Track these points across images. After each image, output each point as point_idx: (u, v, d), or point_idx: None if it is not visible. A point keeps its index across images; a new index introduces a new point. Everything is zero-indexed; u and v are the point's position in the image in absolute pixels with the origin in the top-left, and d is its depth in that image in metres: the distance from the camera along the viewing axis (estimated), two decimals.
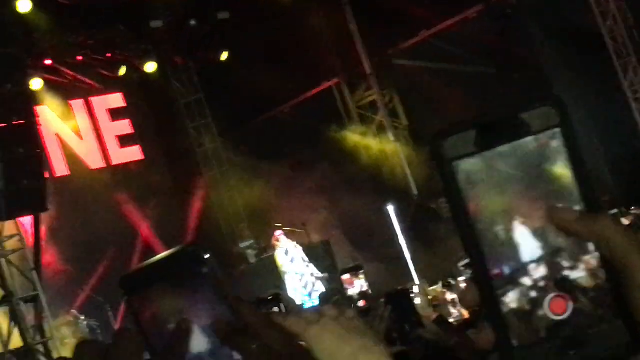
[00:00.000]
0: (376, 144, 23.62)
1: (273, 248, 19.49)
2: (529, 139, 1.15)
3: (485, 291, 1.13)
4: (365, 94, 23.69)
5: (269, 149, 22.17)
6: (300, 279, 19.02)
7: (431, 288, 18.40)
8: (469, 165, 1.14)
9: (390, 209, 20.96)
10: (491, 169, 1.14)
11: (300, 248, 19.34)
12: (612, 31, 18.73)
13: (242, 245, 21.06)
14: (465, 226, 1.13)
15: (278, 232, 19.36)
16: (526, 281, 1.13)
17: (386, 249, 21.73)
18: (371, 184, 22.54)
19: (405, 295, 5.46)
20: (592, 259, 1.14)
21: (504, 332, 1.12)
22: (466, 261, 10.40)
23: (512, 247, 1.14)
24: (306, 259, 19.21)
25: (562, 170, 1.14)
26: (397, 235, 20.86)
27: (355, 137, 23.64)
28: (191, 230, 21.31)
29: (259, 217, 20.40)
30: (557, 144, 1.15)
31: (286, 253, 19.11)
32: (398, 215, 21.08)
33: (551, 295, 1.13)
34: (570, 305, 1.11)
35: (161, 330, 1.28)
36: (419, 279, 19.49)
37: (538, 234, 1.13)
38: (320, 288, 19.04)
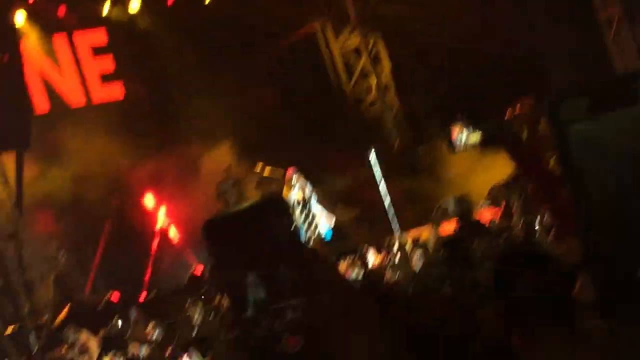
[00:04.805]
0: (359, 89, 23.60)
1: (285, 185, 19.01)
2: None
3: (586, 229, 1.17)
4: (349, 37, 23.50)
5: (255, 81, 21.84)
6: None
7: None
8: (582, 129, 1.18)
9: (372, 154, 20.86)
10: (604, 133, 1.18)
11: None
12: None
13: (223, 186, 20.74)
14: (576, 187, 1.18)
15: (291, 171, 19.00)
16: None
17: (364, 194, 21.68)
18: (352, 130, 22.54)
19: (460, 242, 5.55)
20: None
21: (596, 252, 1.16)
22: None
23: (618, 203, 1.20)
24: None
25: None
26: (375, 182, 20.72)
27: (339, 81, 23.60)
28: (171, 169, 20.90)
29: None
30: None
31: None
32: (379, 162, 20.97)
33: None
34: None
35: (239, 279, 1.29)
36: (399, 229, 19.32)
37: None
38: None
